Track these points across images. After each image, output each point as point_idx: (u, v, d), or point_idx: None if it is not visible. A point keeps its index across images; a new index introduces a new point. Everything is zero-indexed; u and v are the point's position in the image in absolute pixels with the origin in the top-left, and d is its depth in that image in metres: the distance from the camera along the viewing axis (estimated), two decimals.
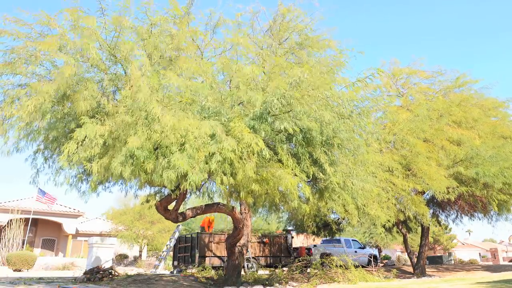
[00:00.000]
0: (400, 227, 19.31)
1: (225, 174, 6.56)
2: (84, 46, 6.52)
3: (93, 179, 6.60)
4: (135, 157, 6.15)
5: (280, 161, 7.50)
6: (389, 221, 13.01)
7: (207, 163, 6.32)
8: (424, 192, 15.91)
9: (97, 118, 6.59)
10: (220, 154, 6.27)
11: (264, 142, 7.46)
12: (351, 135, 8.04)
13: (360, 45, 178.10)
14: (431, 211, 20.22)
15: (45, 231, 31.27)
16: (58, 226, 30.42)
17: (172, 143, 6.14)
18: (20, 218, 22.91)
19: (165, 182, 6.11)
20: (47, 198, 24.65)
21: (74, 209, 30.45)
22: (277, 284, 12.26)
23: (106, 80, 6.87)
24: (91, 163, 6.37)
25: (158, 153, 6.45)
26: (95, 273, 11.16)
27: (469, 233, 75.76)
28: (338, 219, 20.69)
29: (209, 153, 6.33)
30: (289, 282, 13.23)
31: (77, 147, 6.26)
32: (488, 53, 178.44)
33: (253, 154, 6.65)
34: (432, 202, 19.17)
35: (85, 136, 6.15)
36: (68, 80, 6.55)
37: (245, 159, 6.63)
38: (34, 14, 7.05)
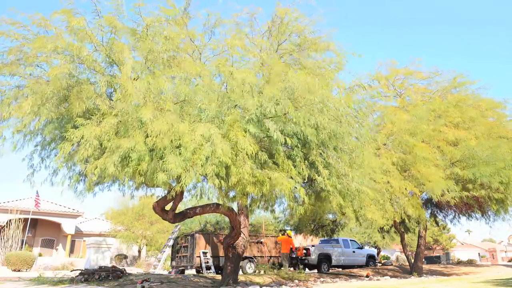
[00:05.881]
0: (398, 227, 19.37)
1: (219, 178, 6.60)
2: (78, 49, 6.56)
3: (89, 180, 6.64)
4: (129, 159, 6.19)
5: (276, 163, 7.54)
6: (386, 224, 13.08)
7: (202, 166, 6.36)
8: (421, 193, 15.96)
9: (93, 120, 6.63)
10: (214, 157, 6.31)
11: (260, 145, 7.48)
12: (347, 138, 8.08)
13: (358, 44, 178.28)
14: (429, 211, 20.28)
15: (44, 231, 31.32)
16: (57, 226, 30.47)
17: (165, 146, 6.19)
18: (19, 218, 22.95)
19: (158, 183, 6.15)
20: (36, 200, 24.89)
21: (73, 209, 30.49)
22: (274, 284, 12.32)
23: (102, 82, 6.90)
24: (86, 164, 6.41)
25: (153, 155, 6.50)
26: (91, 273, 11.20)
27: (469, 233, 75.85)
28: (335, 220, 20.74)
29: (205, 157, 6.37)
30: (287, 282, 13.29)
31: (72, 148, 6.30)
32: (486, 54, 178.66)
33: (248, 157, 6.69)
34: (430, 202, 19.21)
35: (81, 137, 6.20)
36: (62, 80, 6.59)
37: (239, 162, 6.66)
38: (29, 16, 7.09)
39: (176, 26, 8.36)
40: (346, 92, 8.56)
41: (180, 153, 6.29)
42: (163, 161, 6.28)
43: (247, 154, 6.63)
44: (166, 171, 6.13)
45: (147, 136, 6.29)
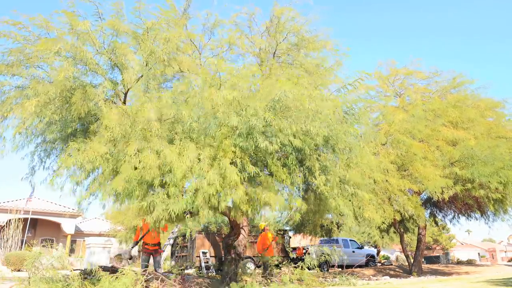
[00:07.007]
0: (397, 227, 19.41)
1: (211, 208, 6.82)
2: (82, 52, 6.61)
3: (81, 196, 6.99)
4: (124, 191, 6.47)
5: (271, 174, 7.58)
6: (384, 223, 13.10)
7: (192, 197, 6.62)
8: (420, 193, 15.99)
9: (86, 143, 6.71)
10: (202, 191, 6.51)
11: (253, 157, 7.54)
12: (344, 137, 8.07)
13: (357, 45, 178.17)
14: (428, 211, 20.29)
15: (44, 231, 31.32)
16: (57, 226, 30.47)
17: (154, 177, 6.36)
18: (19, 218, 22.95)
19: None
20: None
21: (73, 209, 30.46)
22: (273, 284, 12.32)
23: (102, 86, 6.96)
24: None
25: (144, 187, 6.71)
26: (89, 273, 11.21)
27: (468, 233, 75.92)
28: (333, 222, 20.79)
29: (192, 192, 6.61)
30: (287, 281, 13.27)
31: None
32: (486, 53, 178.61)
33: (240, 182, 6.81)
34: (429, 202, 19.23)
35: (74, 164, 6.43)
36: (64, 83, 6.63)
37: (230, 188, 6.81)
38: (31, 18, 7.11)
39: (176, 27, 8.38)
40: (341, 93, 8.57)
41: (168, 187, 6.55)
42: (152, 200, 6.60)
43: (234, 183, 6.72)
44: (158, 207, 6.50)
45: (135, 169, 6.46)
